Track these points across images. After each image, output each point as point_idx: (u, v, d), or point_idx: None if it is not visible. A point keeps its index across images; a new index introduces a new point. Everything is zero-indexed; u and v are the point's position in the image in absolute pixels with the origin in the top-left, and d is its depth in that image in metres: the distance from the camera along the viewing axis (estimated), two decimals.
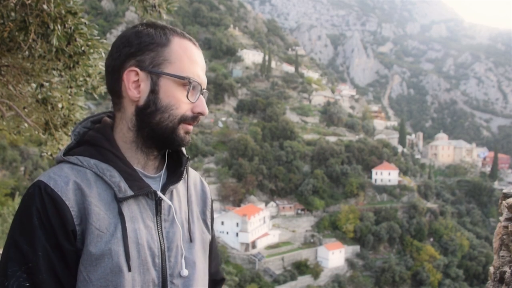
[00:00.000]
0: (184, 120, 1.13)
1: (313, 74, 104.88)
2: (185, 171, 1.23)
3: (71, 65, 2.58)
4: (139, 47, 1.11)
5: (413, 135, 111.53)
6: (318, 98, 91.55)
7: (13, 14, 2.35)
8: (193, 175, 1.36)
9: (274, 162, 64.50)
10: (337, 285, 48.97)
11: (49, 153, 3.62)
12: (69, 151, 1.14)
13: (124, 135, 1.16)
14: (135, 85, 1.11)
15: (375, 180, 66.18)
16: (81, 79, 3.11)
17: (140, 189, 1.10)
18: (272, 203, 59.15)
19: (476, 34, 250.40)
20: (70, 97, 3.30)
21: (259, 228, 50.77)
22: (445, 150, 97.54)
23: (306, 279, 48.34)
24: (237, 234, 48.71)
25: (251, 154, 63.14)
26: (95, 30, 2.60)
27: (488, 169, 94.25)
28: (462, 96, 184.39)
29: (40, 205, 1.01)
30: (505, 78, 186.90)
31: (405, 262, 53.81)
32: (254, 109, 79.62)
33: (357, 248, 55.82)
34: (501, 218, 1.79)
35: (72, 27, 2.37)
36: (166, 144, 1.16)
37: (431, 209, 63.73)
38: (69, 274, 1.03)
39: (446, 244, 57.55)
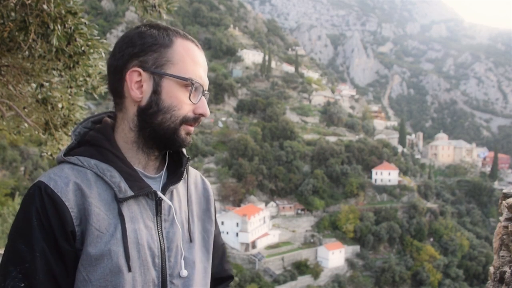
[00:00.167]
0: (185, 121, 1.13)
1: (313, 74, 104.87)
2: (185, 172, 1.23)
3: (71, 65, 2.58)
4: (142, 48, 1.11)
5: (413, 135, 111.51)
6: (318, 98, 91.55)
7: (13, 14, 2.35)
8: (193, 174, 1.36)
9: (274, 162, 64.49)
10: (337, 285, 48.96)
11: (49, 153, 3.62)
12: (70, 151, 1.15)
13: (125, 135, 1.16)
14: (138, 85, 1.12)
15: (375, 180, 66.17)
16: (81, 79, 3.11)
17: (140, 189, 1.10)
18: (272, 203, 59.14)
19: (476, 34, 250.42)
20: (70, 97, 3.30)
21: (259, 228, 50.77)
22: (445, 150, 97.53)
23: (306, 279, 48.33)
24: (237, 234, 48.70)
25: (251, 154, 63.14)
26: (95, 30, 2.60)
27: (488, 169, 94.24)
28: (462, 96, 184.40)
29: (40, 205, 1.01)
30: (505, 78, 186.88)
31: (405, 262, 53.80)
32: (254, 109, 79.61)
33: (357, 248, 55.81)
34: (501, 218, 1.79)
35: (72, 27, 2.37)
36: (167, 145, 1.16)
37: (431, 209, 63.72)
38: (66, 275, 1.03)
39: (446, 244, 57.54)
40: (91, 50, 2.59)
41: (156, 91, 1.11)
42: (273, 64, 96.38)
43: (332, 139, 72.73)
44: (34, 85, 3.20)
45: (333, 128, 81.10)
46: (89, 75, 3.05)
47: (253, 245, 49.61)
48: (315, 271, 49.32)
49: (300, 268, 49.23)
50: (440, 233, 59.37)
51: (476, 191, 77.29)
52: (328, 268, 50.84)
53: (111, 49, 1.21)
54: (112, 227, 1.05)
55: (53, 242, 1.01)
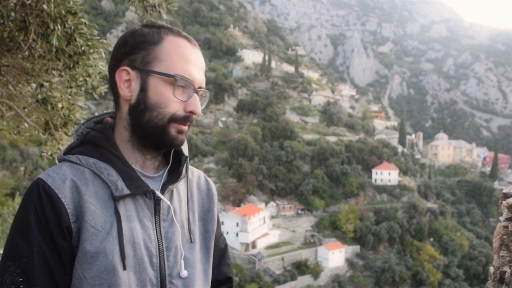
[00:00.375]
0: (174, 119, 1.11)
1: (313, 74, 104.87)
2: (184, 171, 1.22)
3: (71, 65, 2.58)
4: (132, 47, 1.12)
5: (413, 135, 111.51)
6: (318, 98, 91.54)
7: (13, 14, 2.35)
8: (196, 174, 1.35)
9: (274, 162, 64.49)
10: (337, 285, 48.95)
11: (49, 153, 3.62)
12: (70, 150, 1.16)
13: (121, 134, 1.17)
14: (127, 84, 1.12)
15: (375, 180, 66.17)
16: (81, 79, 3.11)
17: (137, 188, 1.10)
18: (272, 203, 59.14)
19: (476, 34, 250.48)
20: (70, 97, 3.30)
21: (259, 228, 50.77)
22: (445, 150, 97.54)
23: (306, 279, 48.32)
24: (237, 234, 48.70)
25: (251, 154, 63.14)
26: (95, 30, 2.60)
27: (488, 169, 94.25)
28: (462, 96, 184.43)
29: (38, 202, 1.03)
30: (505, 78, 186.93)
31: (405, 262, 53.79)
32: (254, 109, 79.61)
33: (357, 248, 55.81)
34: (501, 218, 1.79)
35: (72, 27, 2.37)
36: (158, 144, 1.15)
37: (431, 209, 63.73)
38: (63, 270, 1.04)
39: (446, 244, 57.53)
40: (91, 50, 2.59)
41: (143, 89, 1.11)
42: (273, 64, 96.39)
43: (332, 139, 72.73)
44: (34, 85, 3.20)
45: (333, 128, 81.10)
46: (89, 75, 3.05)
47: (253, 245, 49.61)
48: (315, 271, 49.31)
49: (300, 268, 49.22)
50: (440, 233, 59.36)
51: (476, 191, 77.30)
52: (328, 268, 50.83)
53: (111, 49, 1.23)
54: (108, 225, 1.05)
55: (50, 238, 1.02)
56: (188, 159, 1.25)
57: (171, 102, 1.10)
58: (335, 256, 51.53)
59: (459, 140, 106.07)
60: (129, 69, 1.12)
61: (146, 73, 1.11)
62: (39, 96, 3.20)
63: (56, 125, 3.38)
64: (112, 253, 1.04)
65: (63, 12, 2.31)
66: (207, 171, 60.21)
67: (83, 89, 3.28)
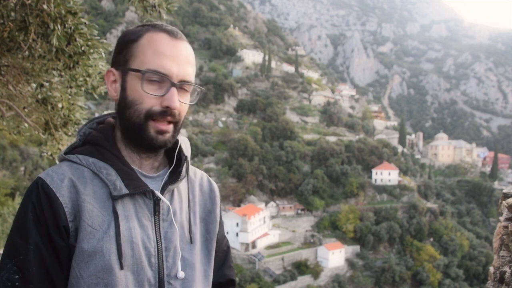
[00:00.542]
0: (151, 115, 1.09)
1: (313, 74, 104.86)
2: (184, 171, 1.21)
3: (71, 65, 2.58)
4: (117, 48, 1.15)
5: (413, 135, 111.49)
6: (318, 98, 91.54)
7: (13, 14, 2.35)
8: (199, 175, 1.34)
9: (274, 162, 64.48)
10: (337, 285, 48.94)
11: (49, 153, 3.62)
12: (72, 150, 1.17)
13: (117, 134, 1.18)
14: (114, 84, 1.14)
15: (375, 180, 66.16)
16: (81, 79, 3.11)
17: (136, 188, 1.10)
18: (272, 203, 59.14)
19: (476, 34, 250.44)
20: (70, 97, 3.30)
21: (259, 228, 50.76)
22: (445, 150, 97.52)
23: (306, 279, 48.32)
24: (237, 234, 48.69)
25: (251, 154, 63.13)
26: (95, 30, 2.60)
27: (488, 169, 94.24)
28: (462, 96, 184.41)
29: (36, 200, 1.03)
30: (505, 78, 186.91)
31: (405, 262, 53.78)
32: (254, 109, 79.60)
33: (357, 248, 55.80)
34: (501, 218, 1.79)
35: (72, 27, 2.37)
36: (140, 143, 1.14)
37: (431, 209, 63.72)
38: (60, 269, 1.04)
39: (446, 244, 57.53)
40: (91, 50, 2.59)
41: (123, 88, 1.12)
42: (273, 64, 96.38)
43: (332, 139, 72.72)
44: (34, 85, 3.20)
45: (333, 128, 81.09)
46: (89, 75, 3.05)
47: (253, 245, 49.61)
48: (315, 271, 49.31)
49: (300, 268, 49.21)
50: (440, 233, 59.36)
51: (476, 191, 77.30)
52: (328, 268, 50.82)
53: (111, 49, 1.24)
54: (106, 224, 1.05)
55: (47, 236, 1.02)
56: (188, 159, 1.24)
57: (145, 98, 1.09)
58: (335, 256, 51.53)
59: (459, 140, 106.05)
60: (113, 70, 1.14)
61: (124, 72, 1.12)
62: (39, 96, 3.20)
63: (56, 125, 3.38)
64: (109, 252, 1.03)
65: (63, 12, 2.31)
66: (207, 171, 60.21)
67: (83, 89, 3.28)
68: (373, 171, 66.65)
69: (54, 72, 2.87)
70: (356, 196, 62.24)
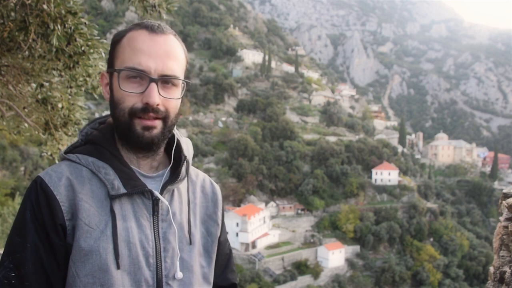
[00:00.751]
0: (134, 113, 1.09)
1: (313, 74, 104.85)
2: (184, 171, 1.20)
3: (71, 65, 2.58)
4: (109, 51, 1.17)
5: (413, 135, 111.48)
6: (318, 98, 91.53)
7: (13, 14, 2.35)
8: (201, 177, 1.34)
9: (274, 162, 64.47)
10: (337, 285, 48.94)
11: (49, 153, 3.62)
12: (73, 149, 1.17)
13: (115, 134, 1.19)
14: (107, 86, 1.17)
15: (375, 180, 66.16)
16: (81, 79, 3.11)
17: (134, 187, 1.10)
18: (272, 203, 59.13)
19: (476, 34, 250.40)
20: (70, 97, 3.30)
21: (259, 228, 50.76)
22: (445, 150, 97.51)
23: (306, 279, 48.31)
24: (237, 234, 48.69)
25: (251, 154, 63.12)
26: (95, 30, 2.60)
27: (488, 169, 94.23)
28: (462, 96, 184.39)
29: (34, 199, 1.04)
30: (505, 78, 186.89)
31: (405, 262, 53.78)
32: (254, 109, 79.60)
33: (357, 248, 55.79)
34: (501, 218, 1.79)
35: (72, 27, 2.37)
36: (129, 141, 1.13)
37: (431, 209, 63.71)
38: (57, 268, 1.04)
39: (446, 244, 57.52)
40: (91, 50, 2.59)
41: (111, 88, 1.14)
42: (273, 64, 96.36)
43: (332, 139, 72.71)
44: (34, 85, 3.20)
45: (333, 128, 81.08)
46: (89, 75, 3.05)
47: (253, 245, 49.60)
48: (315, 271, 49.30)
49: (300, 268, 49.20)
50: (440, 233, 59.35)
51: (476, 191, 77.28)
52: (328, 268, 50.81)
53: None
54: (103, 223, 1.05)
55: (44, 234, 1.02)
56: (187, 159, 1.23)
57: (126, 96, 1.09)
58: (335, 256, 51.52)
59: (459, 140, 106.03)
60: (105, 72, 1.17)
61: (110, 73, 1.14)
62: (39, 96, 3.20)
63: (56, 125, 3.38)
64: (105, 252, 1.03)
65: (63, 12, 2.31)
66: (207, 171, 60.20)
67: (83, 89, 3.28)
68: (373, 171, 66.64)
69: (54, 72, 2.87)
70: (356, 196, 62.22)
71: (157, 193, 1.13)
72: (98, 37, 2.64)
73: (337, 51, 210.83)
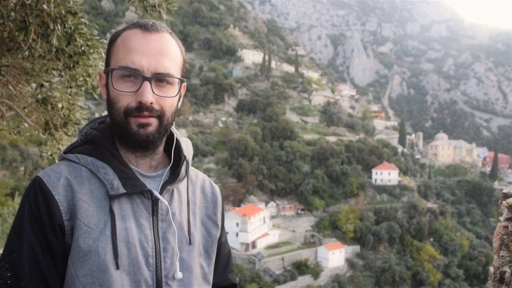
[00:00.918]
0: (128, 112, 1.09)
1: (313, 74, 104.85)
2: (183, 171, 1.20)
3: (71, 65, 2.58)
4: (106, 51, 1.18)
5: (413, 135, 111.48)
6: (318, 98, 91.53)
7: (13, 14, 2.35)
8: (201, 178, 1.34)
9: (274, 162, 64.47)
10: (337, 285, 48.94)
11: (49, 153, 3.62)
12: (72, 149, 1.17)
13: (115, 134, 1.19)
14: (105, 87, 1.17)
15: (375, 180, 66.15)
16: (81, 79, 3.12)
17: (133, 187, 1.09)
18: (272, 203, 59.12)
19: (476, 34, 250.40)
20: (70, 97, 3.31)
21: (259, 228, 50.76)
22: (445, 150, 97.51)
23: (306, 279, 48.31)
24: (237, 234, 48.69)
25: (251, 154, 63.12)
26: (95, 30, 2.60)
27: (488, 169, 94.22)
28: (462, 96, 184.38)
29: (33, 199, 1.04)
30: (505, 78, 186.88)
31: (405, 262, 53.77)
32: (254, 109, 79.59)
33: (357, 248, 55.79)
34: (501, 218, 1.79)
35: (72, 27, 2.37)
36: (126, 140, 1.13)
37: (431, 209, 63.70)
38: (54, 268, 1.03)
39: (446, 244, 57.52)
40: (91, 50, 2.59)
41: (107, 88, 1.14)
42: (273, 64, 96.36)
43: (332, 139, 72.71)
44: (34, 85, 3.20)
45: (333, 128, 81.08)
46: (89, 75, 3.05)
47: (253, 245, 49.60)
48: (315, 271, 49.30)
49: (300, 268, 49.20)
50: (440, 233, 59.35)
51: (476, 191, 77.27)
52: (328, 268, 50.81)
53: None
54: (102, 223, 1.04)
55: (42, 235, 1.02)
56: (186, 159, 1.22)
57: (120, 96, 1.09)
58: (335, 256, 51.52)
59: (459, 140, 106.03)
60: (102, 73, 1.17)
61: (107, 73, 1.14)
62: (39, 96, 3.20)
63: (56, 125, 3.38)
64: (104, 252, 1.02)
65: (63, 12, 2.31)
66: (207, 171, 60.19)
67: (83, 89, 3.28)
68: (373, 171, 66.64)
69: (54, 72, 2.87)
70: (356, 196, 62.22)
71: (156, 193, 1.12)
72: (98, 37, 2.64)
73: (337, 51, 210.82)
